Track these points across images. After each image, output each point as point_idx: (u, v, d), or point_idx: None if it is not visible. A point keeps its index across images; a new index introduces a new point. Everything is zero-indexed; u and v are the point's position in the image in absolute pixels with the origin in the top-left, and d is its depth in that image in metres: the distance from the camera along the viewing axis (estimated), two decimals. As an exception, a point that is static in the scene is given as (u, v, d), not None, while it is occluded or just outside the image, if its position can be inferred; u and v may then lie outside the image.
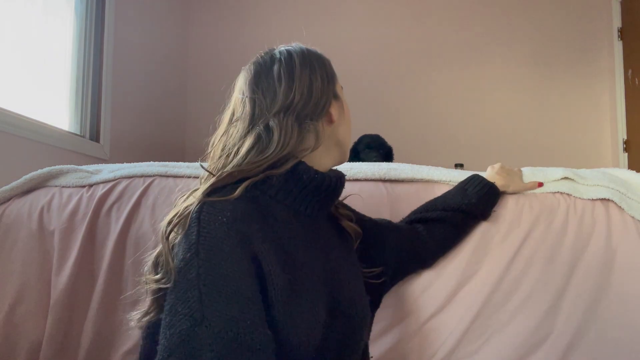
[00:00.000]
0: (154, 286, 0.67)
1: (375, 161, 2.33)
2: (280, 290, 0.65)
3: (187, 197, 0.72)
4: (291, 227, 0.73)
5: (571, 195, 1.06)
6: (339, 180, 0.81)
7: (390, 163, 1.25)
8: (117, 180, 1.18)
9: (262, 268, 0.64)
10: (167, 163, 1.26)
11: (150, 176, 1.17)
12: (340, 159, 0.85)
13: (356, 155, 2.45)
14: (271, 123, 0.74)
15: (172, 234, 0.68)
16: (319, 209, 0.79)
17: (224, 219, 0.64)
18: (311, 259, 0.74)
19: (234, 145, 0.75)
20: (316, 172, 0.76)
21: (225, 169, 0.72)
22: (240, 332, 0.58)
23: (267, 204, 0.73)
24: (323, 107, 0.79)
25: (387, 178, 1.11)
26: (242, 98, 0.78)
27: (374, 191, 1.10)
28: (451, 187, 1.09)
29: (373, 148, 2.43)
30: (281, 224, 0.72)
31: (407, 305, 1.01)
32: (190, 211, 0.66)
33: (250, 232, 0.65)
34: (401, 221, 1.04)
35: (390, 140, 2.55)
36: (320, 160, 0.80)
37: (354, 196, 1.06)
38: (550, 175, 1.09)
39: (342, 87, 0.86)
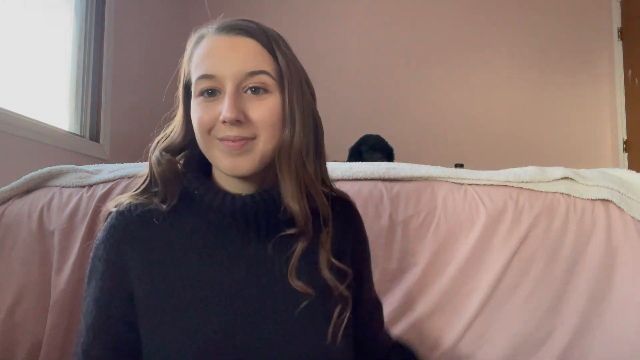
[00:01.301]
0: None
1: (380, 162, 2.33)
2: (143, 301, 0.66)
3: None
4: (194, 240, 0.68)
5: (571, 195, 1.06)
6: (228, 201, 0.67)
7: (389, 162, 1.25)
8: (117, 180, 1.18)
9: (131, 276, 0.67)
10: (167, 163, 1.26)
11: (150, 176, 1.17)
12: (218, 167, 0.70)
13: (359, 155, 2.45)
14: None
15: None
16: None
17: (107, 228, 0.69)
18: (209, 274, 0.67)
19: None
20: (207, 189, 0.68)
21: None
22: (104, 326, 0.66)
23: (172, 213, 0.70)
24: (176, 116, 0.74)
25: (386, 177, 1.11)
26: None
27: (374, 190, 1.10)
28: (450, 185, 1.09)
29: (378, 149, 2.44)
30: (181, 236, 0.69)
31: (405, 304, 1.01)
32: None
33: (126, 240, 0.68)
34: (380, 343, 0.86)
35: (390, 140, 2.55)
36: (217, 173, 0.72)
37: (353, 196, 1.06)
38: (550, 175, 1.09)
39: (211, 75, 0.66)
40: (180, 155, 0.74)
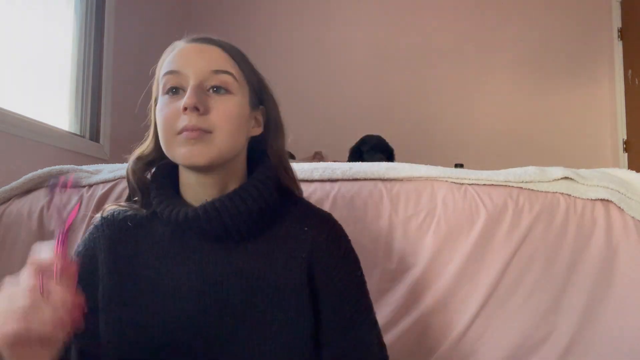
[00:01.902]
0: None
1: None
2: (106, 294, 0.70)
3: None
4: (159, 244, 0.72)
5: (571, 195, 1.06)
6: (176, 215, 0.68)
7: (389, 162, 1.25)
8: (117, 180, 1.18)
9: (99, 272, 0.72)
10: (167, 163, 1.26)
11: (150, 176, 1.17)
12: (177, 161, 0.70)
13: (360, 156, 2.45)
14: None
15: None
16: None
17: (89, 230, 0.76)
18: (165, 277, 0.70)
19: None
20: (161, 201, 0.71)
21: None
22: None
23: (147, 219, 0.74)
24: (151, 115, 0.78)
25: (386, 177, 1.11)
26: None
27: (374, 190, 1.10)
28: (450, 185, 1.09)
29: (379, 150, 2.45)
30: (148, 240, 0.72)
31: (405, 304, 1.01)
32: None
33: (99, 242, 0.73)
34: None
35: (390, 141, 2.55)
36: (182, 182, 0.75)
37: (353, 196, 1.06)
38: (550, 175, 1.09)
39: (172, 72, 0.70)
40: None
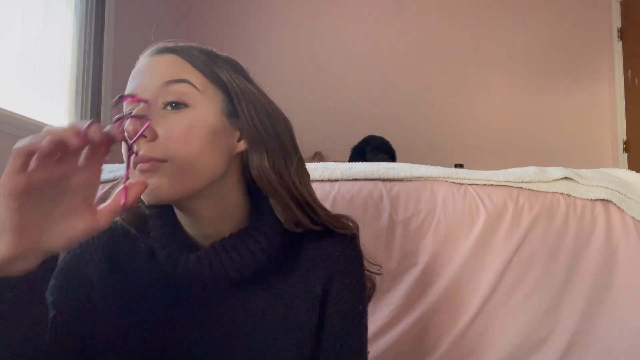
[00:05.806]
0: None
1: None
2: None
3: None
4: (162, 279, 0.62)
5: (571, 195, 1.06)
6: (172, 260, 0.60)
7: (389, 163, 1.25)
8: (117, 181, 1.18)
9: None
10: (166, 163, 1.26)
11: (150, 176, 1.17)
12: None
13: (362, 155, 2.47)
14: None
15: None
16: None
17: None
18: (166, 316, 0.62)
19: None
20: (159, 242, 0.61)
21: None
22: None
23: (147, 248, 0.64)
24: None
25: (386, 177, 1.11)
26: None
27: (374, 190, 1.10)
28: (450, 185, 1.09)
29: (383, 151, 2.47)
30: (155, 271, 0.63)
31: (406, 304, 1.01)
32: None
33: (89, 246, 0.64)
34: None
35: (390, 140, 2.56)
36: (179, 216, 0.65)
37: (353, 196, 1.06)
38: (550, 175, 1.09)
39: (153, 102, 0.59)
40: None
